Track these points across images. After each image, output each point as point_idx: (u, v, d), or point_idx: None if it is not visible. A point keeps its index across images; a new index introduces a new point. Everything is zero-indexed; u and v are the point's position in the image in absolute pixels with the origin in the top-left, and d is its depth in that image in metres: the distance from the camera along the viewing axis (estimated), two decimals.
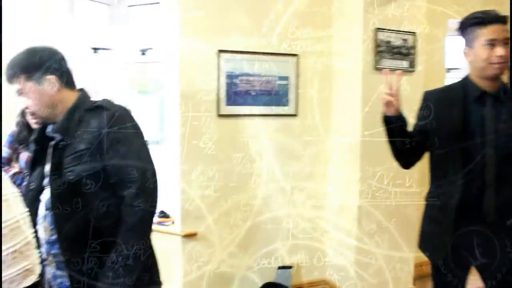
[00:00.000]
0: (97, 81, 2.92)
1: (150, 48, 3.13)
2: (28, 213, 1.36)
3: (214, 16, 2.93)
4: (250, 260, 3.15)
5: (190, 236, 2.95)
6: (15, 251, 1.27)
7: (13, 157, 2.16)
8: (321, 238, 3.31)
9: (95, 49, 3.06)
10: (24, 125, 2.22)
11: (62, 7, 2.75)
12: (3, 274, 1.23)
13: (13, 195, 1.33)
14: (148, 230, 1.66)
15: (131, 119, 1.67)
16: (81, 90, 1.73)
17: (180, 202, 2.92)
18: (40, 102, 1.62)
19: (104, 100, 1.71)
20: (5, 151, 2.15)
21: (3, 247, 1.25)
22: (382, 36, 2.95)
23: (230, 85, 2.97)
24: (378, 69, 2.92)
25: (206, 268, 3.01)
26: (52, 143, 1.64)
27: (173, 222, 3.06)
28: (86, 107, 1.65)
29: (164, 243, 2.70)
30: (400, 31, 2.99)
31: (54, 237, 1.61)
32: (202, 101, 2.91)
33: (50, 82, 1.62)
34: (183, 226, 2.94)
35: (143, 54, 3.12)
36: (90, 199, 1.58)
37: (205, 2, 2.91)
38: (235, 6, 2.97)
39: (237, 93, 2.98)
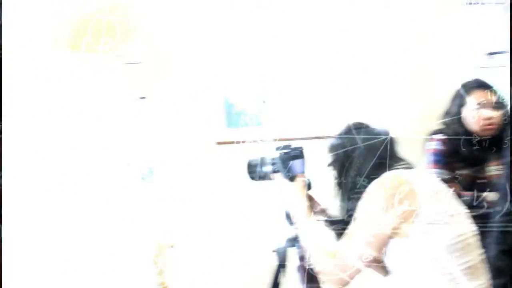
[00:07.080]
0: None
1: (501, 52, 2.94)
2: (476, 233, 1.40)
3: None
4: None
5: None
6: (469, 267, 1.32)
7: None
8: None
9: (491, 54, 2.96)
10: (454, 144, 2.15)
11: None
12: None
13: (464, 212, 1.42)
14: None
15: None
16: None
17: None
18: None
19: None
20: (440, 172, 2.13)
21: (460, 261, 1.30)
22: None
23: None
24: None
25: None
26: None
27: None
28: None
29: None
30: None
31: None
32: None
33: None
34: None
35: (491, 57, 2.95)
36: None
37: None
38: None
39: None
